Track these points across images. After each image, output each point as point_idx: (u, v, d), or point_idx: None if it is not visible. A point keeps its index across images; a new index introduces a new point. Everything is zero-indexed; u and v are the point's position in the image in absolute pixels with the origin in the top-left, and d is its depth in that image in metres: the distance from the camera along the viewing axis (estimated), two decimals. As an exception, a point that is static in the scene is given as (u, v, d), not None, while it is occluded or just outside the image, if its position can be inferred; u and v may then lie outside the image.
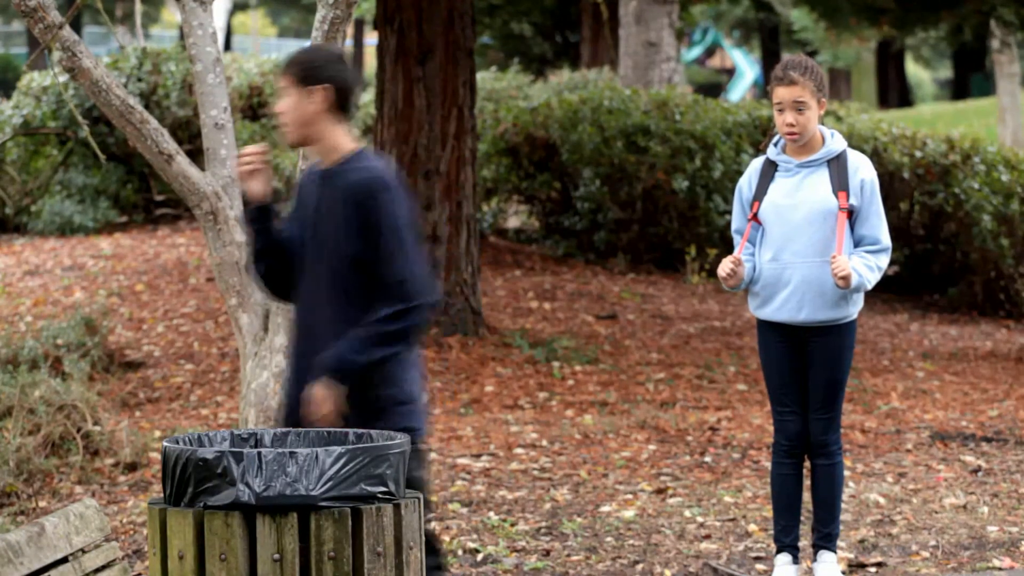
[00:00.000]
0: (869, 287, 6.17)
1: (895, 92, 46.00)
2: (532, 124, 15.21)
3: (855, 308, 6.28)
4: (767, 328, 6.35)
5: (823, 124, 6.29)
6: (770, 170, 6.32)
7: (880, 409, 10.33)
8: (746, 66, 48.16)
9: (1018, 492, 8.14)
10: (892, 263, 15.29)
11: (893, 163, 14.83)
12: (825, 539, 6.42)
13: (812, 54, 46.96)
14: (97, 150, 6.17)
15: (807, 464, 6.52)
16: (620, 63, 20.24)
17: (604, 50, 24.20)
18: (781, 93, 6.18)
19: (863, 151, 14.95)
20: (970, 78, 45.74)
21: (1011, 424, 9.90)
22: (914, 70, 56.62)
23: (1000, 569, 6.77)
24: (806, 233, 6.19)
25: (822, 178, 6.23)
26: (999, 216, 14.50)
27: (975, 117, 32.48)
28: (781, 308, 6.26)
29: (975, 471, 8.63)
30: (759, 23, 44.28)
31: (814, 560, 6.43)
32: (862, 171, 6.24)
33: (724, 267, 6.22)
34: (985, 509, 7.75)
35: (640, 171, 14.51)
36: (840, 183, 6.20)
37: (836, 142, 6.28)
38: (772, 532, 7.38)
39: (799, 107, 6.17)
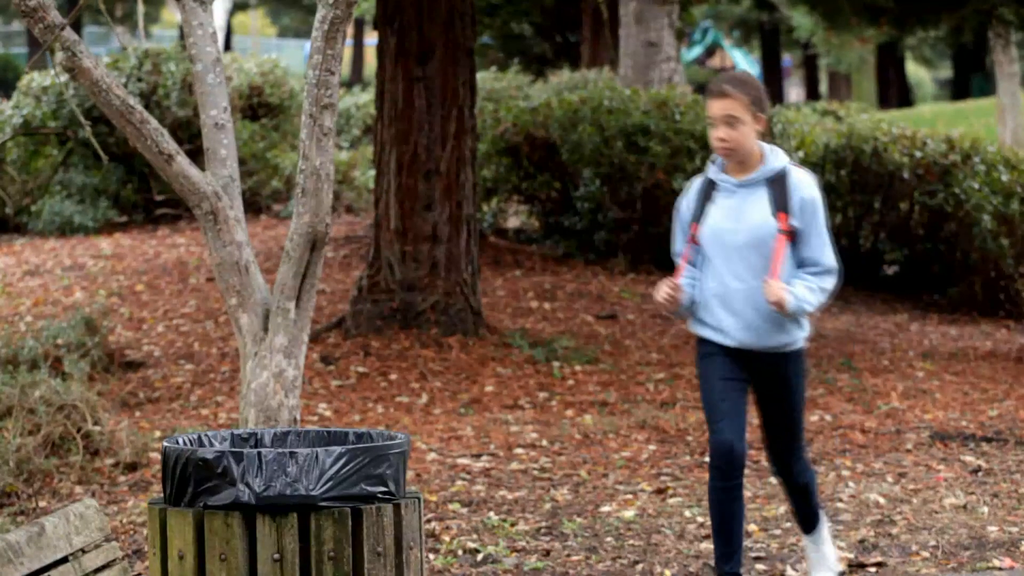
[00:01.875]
0: (810, 310, 5.91)
1: (895, 92, 46.01)
2: (532, 124, 15.21)
3: (804, 332, 6.02)
4: (709, 345, 6.04)
5: (771, 142, 6.17)
6: (710, 190, 6.04)
7: (880, 409, 10.33)
8: (746, 66, 48.15)
9: (1018, 492, 8.14)
10: (892, 263, 15.31)
11: (893, 163, 14.83)
12: (811, 524, 6.31)
13: (813, 57, 46.99)
14: (99, 150, 6.16)
15: (775, 481, 6.46)
16: (620, 63, 20.24)
17: (604, 50, 24.20)
18: (712, 107, 5.93)
19: (863, 151, 14.99)
20: (970, 78, 45.75)
21: (1011, 424, 9.90)
22: (914, 70, 56.63)
23: (1000, 569, 6.77)
24: (747, 257, 5.93)
25: (761, 198, 5.96)
26: (999, 216, 14.50)
27: (975, 117, 32.47)
28: (725, 335, 5.98)
29: (975, 471, 8.63)
30: (759, 23, 44.29)
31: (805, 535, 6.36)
32: (803, 189, 5.95)
33: (661, 291, 5.95)
34: (985, 509, 7.75)
35: (640, 171, 14.51)
36: (780, 203, 5.93)
37: (777, 160, 5.99)
38: (773, 533, 7.38)
39: (730, 121, 5.89)
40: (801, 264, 5.97)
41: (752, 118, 5.91)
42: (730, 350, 5.99)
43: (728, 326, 5.98)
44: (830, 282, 5.99)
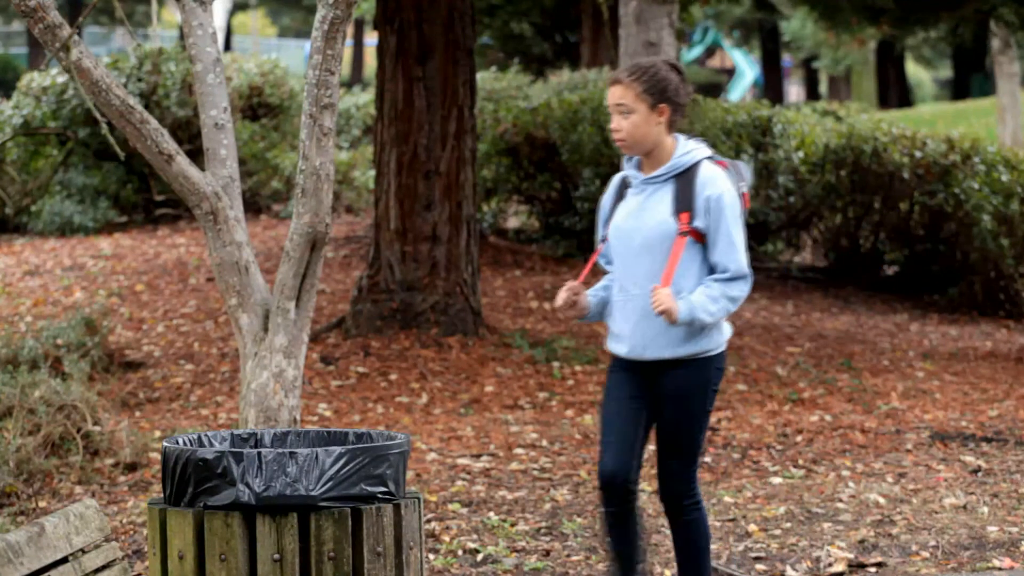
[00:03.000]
0: (708, 321, 5.38)
1: (895, 92, 46.02)
2: (532, 124, 15.21)
3: (714, 341, 5.49)
4: (614, 360, 5.61)
5: (688, 135, 5.62)
6: (623, 187, 5.62)
7: (880, 409, 10.33)
8: (746, 66, 48.19)
9: (1018, 492, 8.14)
10: (892, 263, 15.31)
11: (893, 163, 14.83)
12: None
13: (811, 58, 47.00)
14: (116, 147, 6.16)
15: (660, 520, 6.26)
16: (620, 63, 20.22)
17: (604, 50, 24.20)
18: (608, 95, 5.50)
19: (863, 151, 14.99)
20: (970, 78, 45.77)
21: (1011, 424, 9.90)
22: (914, 70, 56.64)
23: (1000, 569, 6.77)
24: (646, 260, 5.46)
25: (665, 197, 5.48)
26: (999, 216, 14.50)
27: (975, 117, 32.48)
28: (626, 344, 5.53)
29: (975, 471, 8.63)
30: (759, 23, 44.30)
31: None
32: (710, 187, 5.42)
33: (559, 296, 5.54)
34: (985, 509, 7.75)
35: (640, 171, 14.50)
36: (684, 202, 5.43)
37: (688, 155, 5.50)
38: (772, 533, 7.38)
39: (623, 111, 5.45)
40: (712, 270, 5.47)
41: (648, 108, 5.45)
42: (630, 363, 5.55)
43: (626, 336, 5.54)
44: (738, 289, 5.44)
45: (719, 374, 5.55)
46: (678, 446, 5.53)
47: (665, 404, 5.49)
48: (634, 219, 5.51)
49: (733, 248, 5.42)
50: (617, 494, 5.53)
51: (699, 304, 5.37)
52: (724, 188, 5.44)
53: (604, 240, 5.62)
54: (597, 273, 5.87)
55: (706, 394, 5.51)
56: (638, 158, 5.56)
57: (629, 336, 5.51)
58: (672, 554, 7.03)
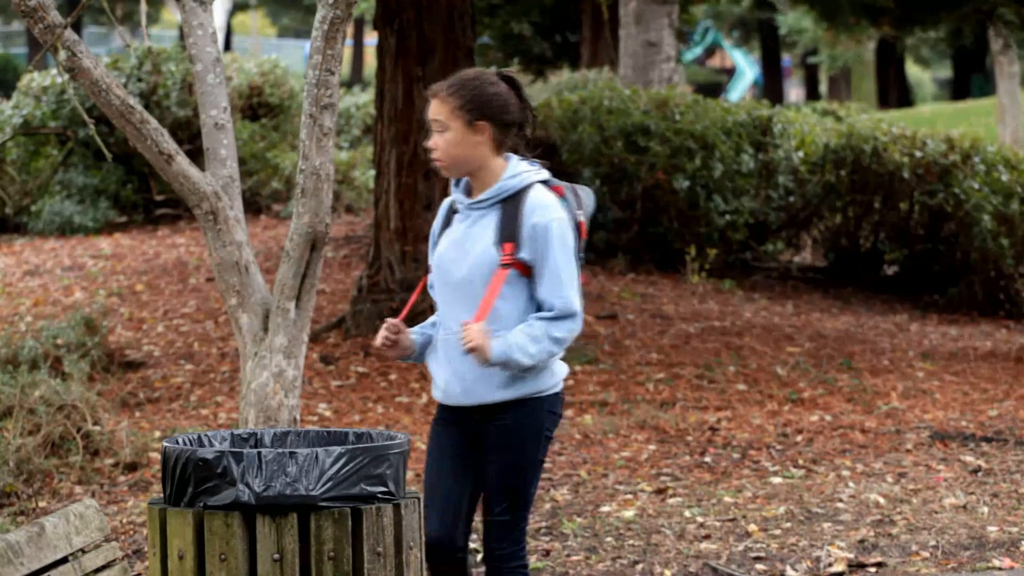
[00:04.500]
0: (526, 363, 4.79)
1: (895, 92, 46.03)
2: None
3: (544, 383, 4.90)
4: (438, 408, 5.07)
5: (524, 156, 5.04)
6: (450, 213, 5.04)
7: (880, 409, 10.33)
8: (746, 66, 48.20)
9: (1018, 492, 8.14)
10: (892, 263, 15.30)
11: (893, 163, 14.83)
12: None
13: (810, 53, 47.01)
14: (103, 148, 6.17)
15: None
16: (620, 63, 20.25)
17: (604, 50, 24.20)
18: (428, 110, 4.97)
19: (863, 151, 14.99)
20: (970, 78, 45.77)
21: (1011, 424, 9.90)
22: (914, 70, 56.65)
23: (1000, 569, 6.77)
24: (468, 294, 4.87)
25: (490, 224, 4.88)
26: (999, 216, 14.50)
27: (975, 117, 32.47)
28: (446, 388, 4.96)
29: (975, 471, 8.62)
30: (759, 23, 44.31)
31: None
32: (537, 214, 4.82)
33: (379, 335, 4.96)
34: (985, 509, 7.75)
35: (640, 171, 14.51)
36: (508, 231, 4.83)
37: (516, 178, 4.90)
38: (772, 533, 7.38)
39: (438, 127, 4.91)
40: (539, 307, 4.87)
41: (464, 125, 4.88)
42: (453, 411, 4.97)
43: (444, 379, 4.96)
44: (564, 329, 4.83)
45: (553, 419, 4.96)
46: (505, 500, 4.87)
47: (491, 454, 4.85)
48: (456, 249, 4.92)
49: (559, 283, 4.82)
50: (445, 559, 4.91)
51: (517, 344, 4.78)
52: (553, 216, 4.84)
53: (429, 271, 5.05)
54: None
55: (538, 442, 4.91)
56: (466, 181, 4.98)
57: (449, 379, 4.94)
58: (672, 554, 7.03)
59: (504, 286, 4.84)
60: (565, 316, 4.82)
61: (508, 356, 4.78)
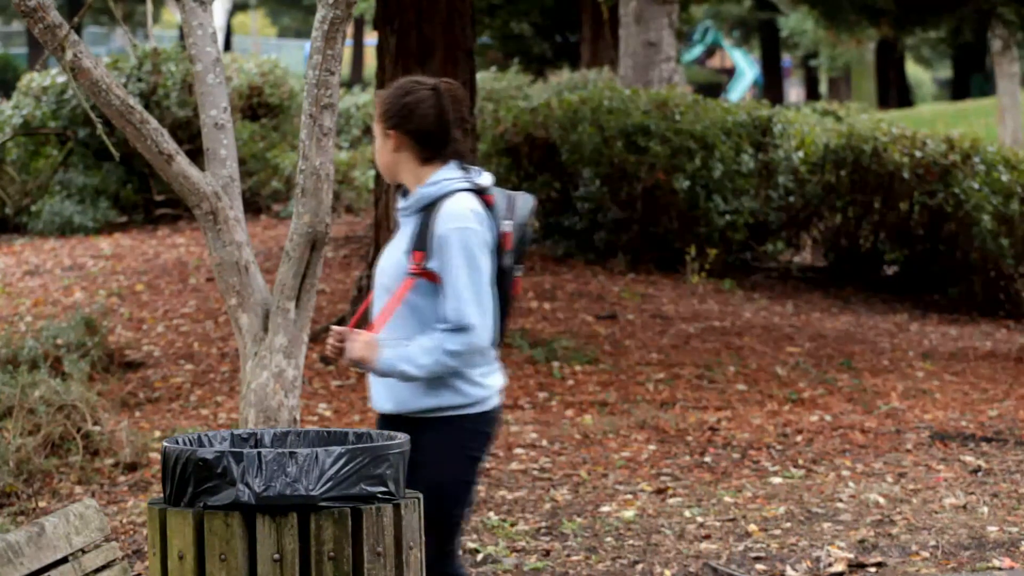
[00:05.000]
0: (420, 375, 4.71)
1: (895, 92, 46.03)
2: (532, 124, 15.22)
3: (463, 396, 4.77)
4: (377, 418, 5.00)
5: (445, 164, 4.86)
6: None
7: (880, 409, 10.33)
8: (746, 66, 48.18)
9: (1018, 492, 8.14)
10: (892, 263, 15.31)
11: (893, 163, 14.84)
12: None
13: (810, 56, 47.02)
14: (111, 148, 6.17)
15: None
16: (620, 63, 20.26)
17: (604, 50, 24.22)
18: None
19: (863, 151, 15.00)
20: (970, 78, 45.78)
21: (1011, 424, 9.91)
22: (914, 70, 56.64)
23: (1000, 569, 6.77)
24: (384, 302, 4.86)
25: (407, 233, 4.86)
26: (999, 216, 14.50)
27: (975, 117, 32.48)
28: (373, 395, 4.94)
29: (975, 471, 8.63)
30: (759, 23, 44.32)
31: None
32: (445, 223, 4.72)
33: (328, 341, 4.96)
34: (985, 509, 7.75)
35: (640, 171, 14.51)
36: (420, 239, 4.77)
37: (435, 185, 4.81)
38: (772, 533, 7.38)
39: (374, 135, 4.93)
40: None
41: (382, 133, 4.87)
42: (385, 419, 4.90)
43: (374, 386, 4.94)
44: (458, 343, 4.69)
45: (479, 438, 4.79)
46: (428, 521, 4.46)
47: (413, 472, 4.39)
48: (385, 257, 4.90)
49: (456, 296, 4.70)
50: None
51: (408, 355, 4.71)
52: (459, 225, 4.72)
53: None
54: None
55: (459, 462, 4.75)
56: (405, 188, 4.92)
57: (376, 385, 4.90)
58: (672, 554, 7.03)
59: (414, 296, 4.77)
60: (459, 329, 4.70)
61: (394, 367, 4.73)
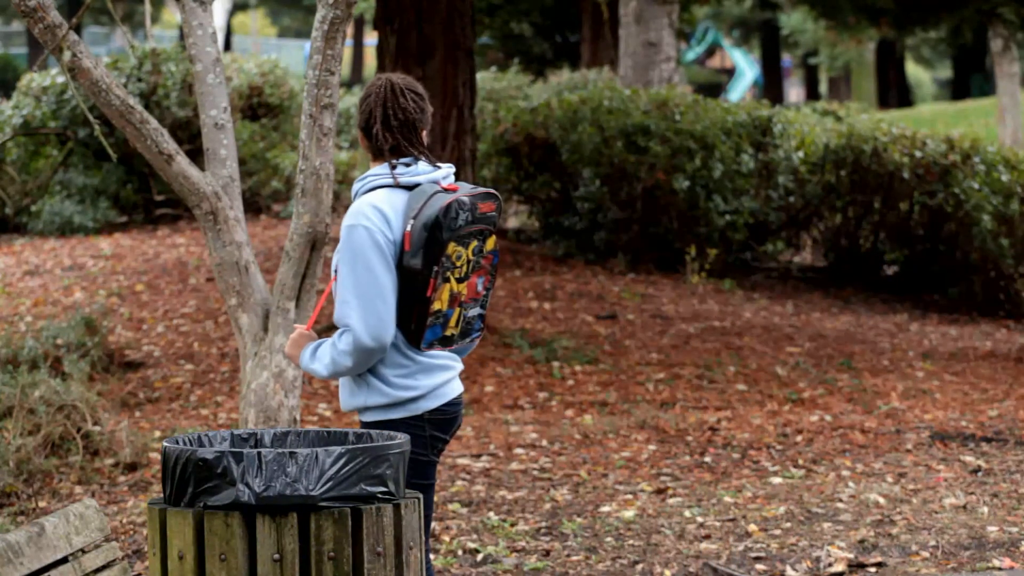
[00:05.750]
0: (322, 374, 4.72)
1: (895, 92, 46.05)
2: (532, 124, 15.22)
3: (382, 396, 4.69)
4: None
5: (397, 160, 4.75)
6: None
7: (880, 409, 10.33)
8: (746, 66, 48.18)
9: (1018, 492, 8.14)
10: (892, 263, 15.31)
11: (893, 163, 14.83)
12: None
13: (811, 54, 47.02)
14: (108, 148, 6.18)
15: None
16: (620, 63, 20.26)
17: (604, 50, 24.22)
18: None
19: (863, 151, 15.00)
20: (970, 78, 45.78)
21: (1011, 424, 9.90)
22: (914, 70, 56.66)
23: (1000, 569, 6.77)
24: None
25: None
26: (999, 216, 14.50)
27: (975, 117, 32.48)
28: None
29: (975, 471, 8.63)
30: (759, 23, 44.33)
31: None
32: (343, 222, 4.69)
33: (287, 343, 4.97)
34: (985, 509, 7.75)
35: (640, 171, 14.51)
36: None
37: (361, 182, 4.76)
38: (772, 533, 7.38)
39: None
40: None
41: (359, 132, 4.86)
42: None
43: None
44: (344, 343, 4.66)
45: (423, 442, 4.70)
46: None
47: None
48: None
49: (338, 296, 4.70)
50: None
51: (318, 354, 4.74)
52: (349, 223, 4.64)
53: None
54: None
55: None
56: None
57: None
58: (672, 554, 7.03)
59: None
60: (346, 330, 4.66)
61: (307, 365, 4.76)
